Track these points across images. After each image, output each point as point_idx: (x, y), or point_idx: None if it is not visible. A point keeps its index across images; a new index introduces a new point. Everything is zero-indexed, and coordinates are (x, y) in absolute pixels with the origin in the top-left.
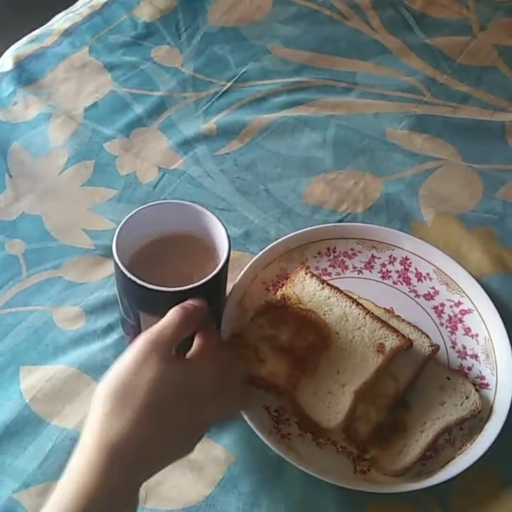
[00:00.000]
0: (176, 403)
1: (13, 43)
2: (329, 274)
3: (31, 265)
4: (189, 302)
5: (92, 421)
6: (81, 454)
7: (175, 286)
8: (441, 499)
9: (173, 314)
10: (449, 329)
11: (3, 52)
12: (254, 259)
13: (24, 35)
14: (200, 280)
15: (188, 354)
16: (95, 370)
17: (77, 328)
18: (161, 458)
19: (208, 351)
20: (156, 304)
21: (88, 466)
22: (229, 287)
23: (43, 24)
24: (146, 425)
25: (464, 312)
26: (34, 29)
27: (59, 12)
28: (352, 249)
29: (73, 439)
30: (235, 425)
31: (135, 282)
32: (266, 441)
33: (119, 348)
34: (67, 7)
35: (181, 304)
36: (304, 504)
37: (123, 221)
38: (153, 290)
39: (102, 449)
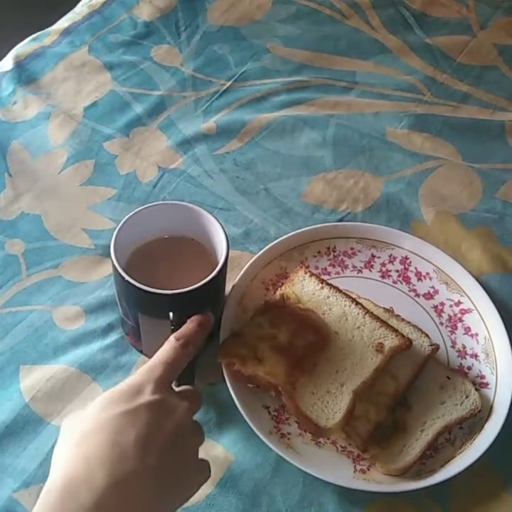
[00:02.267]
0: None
1: (14, 44)
2: (329, 274)
3: (31, 265)
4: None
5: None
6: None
7: (173, 288)
8: (441, 499)
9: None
10: (449, 328)
11: (5, 52)
12: (253, 258)
13: (26, 37)
14: (198, 282)
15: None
16: (95, 369)
17: (77, 327)
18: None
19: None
20: (154, 306)
21: None
22: (228, 287)
23: (44, 25)
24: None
25: (463, 311)
26: (36, 31)
27: (60, 13)
28: (352, 249)
29: None
30: (235, 425)
31: (133, 285)
32: (266, 441)
33: (119, 348)
34: (70, 8)
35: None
36: (303, 504)
37: (121, 223)
38: (152, 293)
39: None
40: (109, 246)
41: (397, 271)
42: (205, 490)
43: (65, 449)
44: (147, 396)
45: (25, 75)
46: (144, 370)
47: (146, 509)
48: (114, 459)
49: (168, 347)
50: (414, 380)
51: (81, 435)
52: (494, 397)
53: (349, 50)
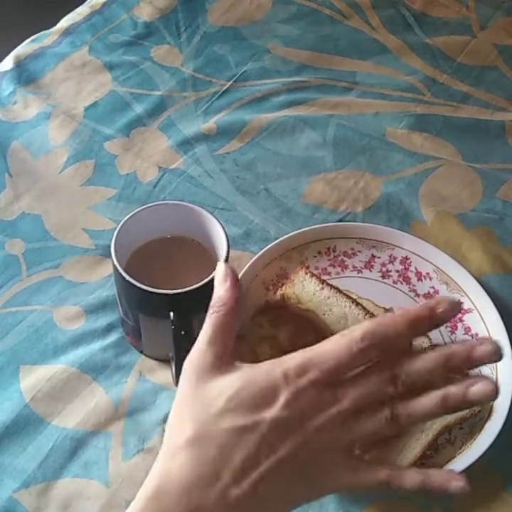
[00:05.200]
0: (228, 424)
1: (14, 44)
2: (329, 274)
3: (31, 265)
4: (214, 304)
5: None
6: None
7: (173, 288)
8: (441, 499)
9: (203, 329)
10: (449, 329)
11: (5, 53)
12: (254, 258)
13: (26, 37)
14: (199, 282)
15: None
16: (95, 369)
17: (77, 327)
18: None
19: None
20: (154, 306)
21: None
22: None
23: (46, 26)
24: (194, 460)
25: (463, 311)
26: (36, 31)
27: (62, 14)
28: (352, 249)
29: (73, 439)
30: None
31: (134, 285)
32: None
33: (119, 348)
34: (71, 9)
35: (208, 314)
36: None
37: (121, 223)
38: (152, 293)
39: (149, 493)
40: (109, 246)
41: (398, 271)
42: None
43: (174, 440)
44: (276, 410)
45: (25, 75)
46: (291, 366)
47: None
48: (203, 483)
49: (341, 343)
50: None
51: (193, 436)
52: None
53: (349, 51)
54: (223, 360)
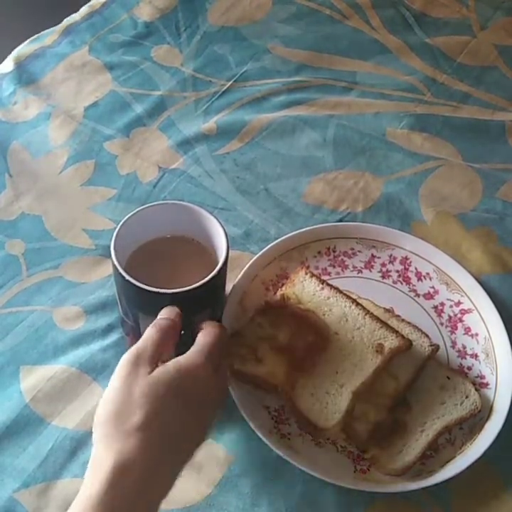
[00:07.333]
0: (174, 405)
1: (14, 45)
2: (329, 274)
3: (31, 265)
4: (163, 316)
5: (95, 450)
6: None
7: (173, 288)
8: (441, 499)
9: (149, 331)
10: (449, 329)
11: (6, 53)
12: (254, 258)
13: (26, 38)
14: (198, 281)
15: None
16: (95, 370)
17: (77, 327)
18: (171, 469)
19: (203, 348)
20: (154, 306)
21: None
22: (229, 287)
23: (46, 26)
24: (150, 440)
25: (463, 311)
26: (36, 32)
27: (62, 14)
28: (352, 249)
29: (73, 439)
30: (235, 425)
31: (133, 284)
32: (266, 441)
33: (119, 348)
34: (71, 9)
35: (155, 321)
36: (303, 504)
37: (121, 223)
38: (152, 292)
39: (109, 473)
40: (109, 246)
41: (397, 271)
42: (206, 490)
43: (122, 427)
44: (139, 388)
45: (25, 75)
46: (129, 358)
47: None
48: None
49: (148, 329)
50: (415, 380)
51: (143, 421)
52: (494, 397)
53: (349, 51)
54: (155, 360)
